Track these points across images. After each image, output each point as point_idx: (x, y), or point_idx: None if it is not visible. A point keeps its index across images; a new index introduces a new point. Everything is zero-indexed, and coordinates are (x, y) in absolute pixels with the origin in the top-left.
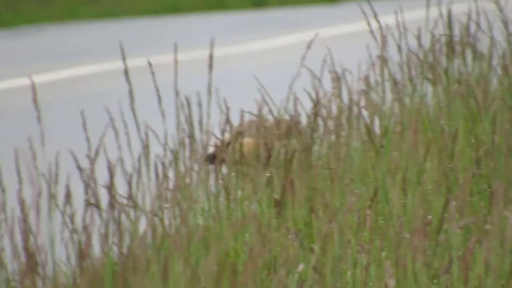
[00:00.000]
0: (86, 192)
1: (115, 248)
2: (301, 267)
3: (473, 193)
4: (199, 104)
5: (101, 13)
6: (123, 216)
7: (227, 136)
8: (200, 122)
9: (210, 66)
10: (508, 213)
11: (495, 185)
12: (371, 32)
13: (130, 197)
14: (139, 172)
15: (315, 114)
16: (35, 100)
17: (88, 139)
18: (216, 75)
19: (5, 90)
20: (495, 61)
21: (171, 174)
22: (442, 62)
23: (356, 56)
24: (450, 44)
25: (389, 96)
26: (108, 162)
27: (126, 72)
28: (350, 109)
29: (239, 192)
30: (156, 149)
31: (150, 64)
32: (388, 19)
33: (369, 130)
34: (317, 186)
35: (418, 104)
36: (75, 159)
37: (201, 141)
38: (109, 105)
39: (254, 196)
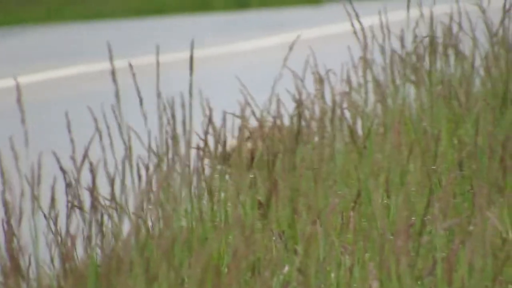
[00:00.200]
0: (69, 194)
1: (98, 250)
2: (285, 269)
3: (456, 195)
4: (182, 106)
5: (85, 14)
6: (106, 218)
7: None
8: (183, 123)
9: (191, 68)
10: (491, 214)
11: (478, 187)
12: (354, 33)
13: (113, 199)
14: (122, 174)
15: (298, 115)
16: (19, 101)
17: (72, 141)
18: (199, 76)
19: None
20: (478, 63)
21: (154, 175)
22: (425, 63)
23: (339, 58)
24: (432, 45)
25: (372, 97)
26: (91, 164)
27: (113, 73)
28: (333, 110)
29: (223, 194)
30: (139, 150)
31: (131, 66)
32: (371, 20)
33: (352, 132)
34: (301, 187)
35: (401, 106)
36: (58, 161)
37: (184, 142)
38: (93, 106)
39: (237, 198)
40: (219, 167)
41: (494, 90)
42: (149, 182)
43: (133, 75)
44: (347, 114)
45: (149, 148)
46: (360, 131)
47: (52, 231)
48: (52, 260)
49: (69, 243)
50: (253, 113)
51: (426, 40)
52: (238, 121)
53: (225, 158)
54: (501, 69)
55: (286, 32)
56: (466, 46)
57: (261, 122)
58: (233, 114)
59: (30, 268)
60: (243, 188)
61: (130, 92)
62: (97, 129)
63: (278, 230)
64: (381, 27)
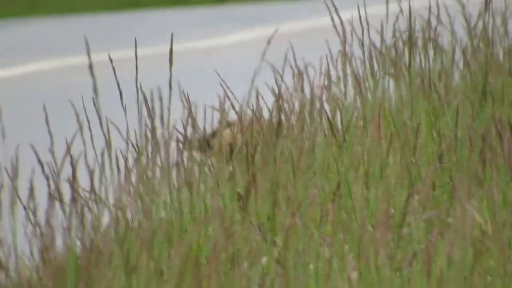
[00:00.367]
0: (48, 186)
1: (78, 242)
2: (264, 260)
3: (436, 187)
4: (161, 99)
5: (62, 7)
6: (86, 210)
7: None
8: (162, 117)
9: (171, 61)
10: (470, 206)
11: (458, 179)
12: (334, 27)
13: (93, 191)
14: (101, 166)
15: (278, 109)
16: None
17: (50, 134)
18: (178, 70)
19: None
20: (457, 56)
21: (133, 167)
22: (404, 57)
23: (318, 51)
24: (411, 39)
25: (351, 91)
26: (71, 156)
27: (90, 66)
28: (312, 103)
29: (202, 186)
30: (118, 143)
31: (111, 59)
32: (350, 14)
33: (331, 125)
34: (280, 180)
35: (380, 99)
36: (36, 153)
37: (163, 135)
38: (72, 100)
39: (217, 190)
40: (198, 158)
41: (473, 83)
42: (128, 175)
43: (113, 68)
44: (327, 107)
45: (128, 141)
46: (339, 124)
47: (31, 223)
48: (31, 252)
49: (48, 235)
50: (233, 106)
51: (405, 34)
52: (217, 115)
53: (204, 147)
54: (480, 62)
55: (265, 26)
56: (445, 40)
57: (240, 116)
58: (213, 107)
59: (10, 259)
60: (222, 180)
61: (110, 85)
62: (78, 122)
63: (257, 222)
64: (360, 21)
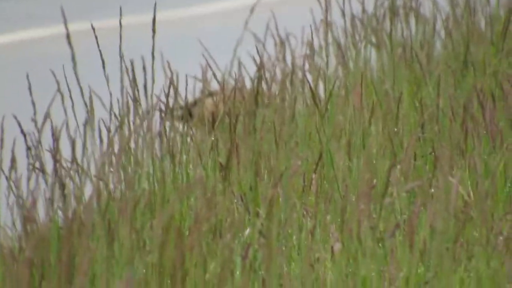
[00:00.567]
0: (30, 156)
1: (60, 212)
2: (247, 231)
3: (418, 157)
4: (144, 69)
5: None
6: (68, 181)
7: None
8: (145, 86)
9: (153, 30)
10: (452, 177)
11: (440, 149)
12: None
13: (75, 161)
14: (84, 136)
15: (259, 78)
16: None
17: (33, 103)
18: (160, 39)
19: None
20: (439, 25)
21: (116, 138)
22: (385, 26)
23: (300, 20)
24: (393, 8)
25: (333, 60)
26: (53, 126)
27: (68, 36)
28: (294, 73)
29: (184, 156)
30: (101, 113)
31: (93, 28)
32: None
33: (314, 94)
34: (262, 150)
35: (362, 68)
36: (19, 124)
37: (146, 104)
38: (54, 69)
39: (199, 160)
40: (180, 127)
41: (455, 52)
42: (111, 145)
43: (95, 37)
44: (309, 76)
45: (111, 111)
46: (321, 94)
47: (14, 194)
48: (14, 222)
49: (31, 206)
50: (215, 76)
51: (387, 3)
52: (199, 84)
53: (186, 117)
54: (462, 31)
55: None
56: (426, 9)
57: (222, 85)
58: (195, 77)
59: None
60: (204, 150)
61: (92, 55)
62: (60, 92)
63: (240, 192)
64: None
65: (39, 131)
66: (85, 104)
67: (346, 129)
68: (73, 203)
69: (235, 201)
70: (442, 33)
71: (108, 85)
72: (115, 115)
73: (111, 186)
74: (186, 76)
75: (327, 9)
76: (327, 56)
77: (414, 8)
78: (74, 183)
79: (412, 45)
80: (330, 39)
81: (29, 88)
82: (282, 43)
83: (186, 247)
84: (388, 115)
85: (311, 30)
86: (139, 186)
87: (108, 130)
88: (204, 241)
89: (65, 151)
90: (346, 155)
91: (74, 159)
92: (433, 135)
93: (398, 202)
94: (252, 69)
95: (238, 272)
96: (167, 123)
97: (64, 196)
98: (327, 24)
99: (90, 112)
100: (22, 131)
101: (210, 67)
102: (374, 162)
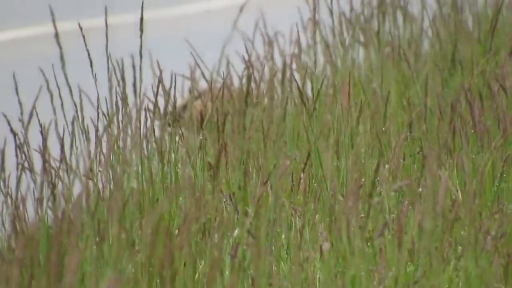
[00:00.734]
0: (19, 156)
1: (49, 212)
2: (236, 231)
3: (406, 156)
4: (133, 67)
5: None
6: (57, 180)
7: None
8: (134, 85)
9: (141, 29)
10: (440, 175)
11: (428, 148)
12: None
13: (64, 160)
14: (72, 135)
15: (248, 77)
16: None
17: (20, 103)
18: (149, 38)
19: None
20: (426, 24)
21: (104, 137)
22: (373, 25)
23: (289, 19)
24: (381, 6)
25: (321, 59)
26: (41, 125)
27: (56, 35)
28: (282, 72)
29: (173, 155)
30: (89, 112)
31: (80, 27)
32: None
33: (302, 93)
34: (251, 149)
35: (350, 67)
36: (8, 123)
37: (135, 104)
38: (42, 68)
39: (188, 159)
40: (169, 128)
41: (443, 51)
42: (99, 144)
43: (83, 37)
44: (297, 75)
45: (99, 110)
46: (309, 93)
47: (2, 193)
48: (2, 222)
49: (19, 205)
50: (203, 74)
51: (375, 1)
52: (188, 83)
53: (175, 118)
54: (450, 30)
55: None
56: (414, 8)
57: (211, 84)
58: (183, 76)
59: None
60: (193, 149)
61: (80, 54)
62: (49, 90)
63: (229, 191)
64: None
65: (26, 130)
66: (74, 103)
67: (334, 128)
68: (62, 203)
69: (224, 200)
70: (430, 31)
71: (96, 84)
72: (103, 114)
73: (100, 185)
74: (175, 75)
75: (315, 8)
76: (315, 54)
77: (401, 7)
78: (63, 183)
79: (400, 44)
80: (318, 38)
81: (16, 88)
82: (271, 42)
83: (175, 246)
84: (376, 114)
85: (298, 29)
86: (128, 185)
87: (97, 129)
88: (193, 240)
89: (54, 150)
90: (335, 154)
91: (63, 158)
92: (421, 134)
93: (387, 201)
94: (240, 68)
95: (227, 272)
96: (156, 122)
97: (53, 196)
98: (315, 23)
99: (78, 111)
100: (11, 130)
101: (198, 66)
102: (363, 161)
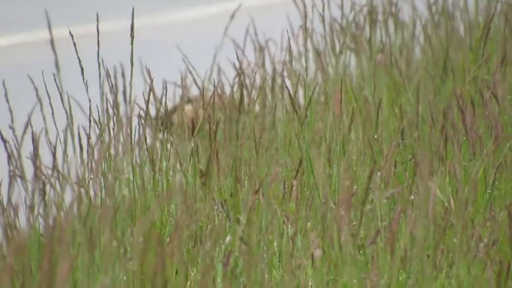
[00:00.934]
0: (10, 163)
1: (41, 220)
2: (228, 238)
3: (398, 164)
4: (123, 75)
5: None
6: (48, 188)
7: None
8: (124, 93)
9: (132, 36)
10: (432, 183)
11: (420, 155)
12: (294, 2)
13: (55, 168)
14: (64, 143)
15: (239, 84)
16: None
17: (10, 110)
18: (139, 45)
19: None
20: (418, 31)
21: (96, 144)
22: (365, 32)
23: (280, 26)
24: (372, 14)
25: (312, 66)
26: (33, 133)
27: (52, 42)
28: (273, 79)
29: (164, 163)
30: (80, 120)
31: (71, 34)
32: None
33: (293, 101)
34: (242, 156)
35: (341, 74)
36: None
37: (126, 111)
38: (32, 76)
39: (179, 167)
40: (160, 135)
41: (435, 58)
42: (91, 152)
43: (74, 44)
44: (288, 83)
45: (91, 117)
46: (301, 100)
47: None
48: None
49: (11, 213)
50: (195, 81)
51: (366, 8)
52: (179, 90)
53: (166, 124)
54: (441, 37)
55: (227, 1)
56: (406, 15)
57: (202, 91)
58: (174, 83)
59: None
60: (184, 157)
61: (70, 61)
62: (38, 98)
63: (220, 199)
64: None
65: (17, 138)
66: (65, 110)
67: (326, 135)
68: (53, 210)
69: (216, 207)
70: (421, 38)
71: (87, 92)
72: (95, 121)
73: (92, 193)
74: (166, 82)
75: (306, 15)
76: (306, 62)
77: (393, 14)
78: (54, 190)
79: (391, 51)
80: (309, 45)
81: (5, 95)
82: (262, 49)
83: (166, 254)
84: (368, 121)
85: (289, 36)
86: (120, 193)
87: (88, 137)
88: (185, 248)
89: (45, 157)
90: (326, 161)
91: (54, 166)
92: (413, 142)
93: (379, 208)
94: (231, 75)
95: (219, 279)
96: (147, 130)
97: (44, 203)
98: (306, 30)
99: (70, 118)
100: (2, 138)
101: (191, 72)
102: (354, 168)
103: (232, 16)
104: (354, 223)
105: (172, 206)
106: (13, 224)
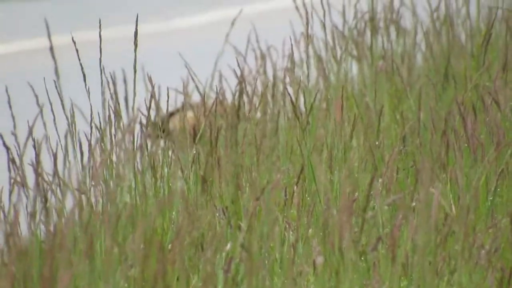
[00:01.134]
0: (11, 170)
1: (42, 226)
2: (229, 245)
3: (399, 170)
4: (125, 81)
5: None
6: (49, 194)
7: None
8: (126, 99)
9: (135, 43)
10: (434, 190)
11: (421, 162)
12: (296, 8)
13: (56, 175)
14: (65, 149)
15: (241, 91)
16: None
17: (13, 117)
18: (141, 52)
19: None
20: (419, 38)
21: (97, 151)
22: (366, 39)
23: (281, 33)
24: (374, 20)
25: (314, 73)
26: (34, 140)
27: (51, 49)
28: (275, 86)
29: (166, 170)
30: (82, 126)
31: (74, 41)
32: None
33: (295, 107)
34: (244, 163)
35: (343, 81)
36: (1, 137)
37: (128, 118)
38: (34, 82)
39: (180, 174)
40: (162, 142)
41: (436, 65)
42: (92, 158)
43: (76, 50)
44: (290, 89)
45: (92, 124)
46: (302, 107)
47: None
48: None
49: (12, 219)
50: (197, 88)
51: (368, 15)
52: (181, 97)
53: (168, 131)
54: (443, 44)
55: (228, 8)
56: (407, 22)
57: (204, 98)
58: (176, 90)
59: None
60: (186, 163)
61: (73, 67)
62: (38, 105)
63: (222, 206)
64: (321, 3)
65: (19, 145)
66: (66, 117)
67: (327, 142)
68: (55, 217)
69: (217, 214)
70: (423, 45)
71: (89, 98)
72: (96, 127)
73: (93, 199)
74: (168, 89)
75: (307, 22)
76: (308, 68)
77: (394, 21)
78: (55, 197)
79: (393, 58)
80: (311, 52)
81: (8, 102)
82: (263, 56)
83: (168, 261)
84: (369, 128)
85: (291, 43)
86: (121, 200)
87: (90, 143)
88: (186, 255)
89: (46, 163)
90: (328, 168)
91: (56, 172)
92: (415, 148)
93: (380, 215)
94: (233, 82)
95: (220, 286)
96: (147, 137)
97: (46, 210)
98: (308, 36)
99: (71, 125)
100: (4, 144)
101: (193, 79)
102: (356, 175)
103: (233, 23)
104: (356, 230)
105: (174, 212)
106: (14, 231)
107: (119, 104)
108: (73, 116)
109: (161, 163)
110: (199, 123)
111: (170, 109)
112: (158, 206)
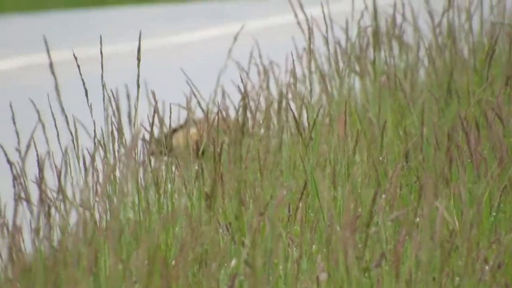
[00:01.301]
0: (15, 186)
1: (46, 243)
2: (233, 261)
3: (403, 186)
4: (128, 97)
5: (26, 5)
6: (53, 210)
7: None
8: (129, 115)
9: (138, 59)
10: (437, 205)
11: (425, 178)
12: (298, 24)
13: (60, 191)
14: (68, 165)
15: (244, 107)
16: None
17: (17, 133)
18: (144, 67)
19: None
20: (422, 53)
21: (100, 167)
22: (369, 54)
23: (284, 49)
24: (376, 36)
25: (317, 88)
26: (38, 156)
27: (51, 65)
28: (278, 102)
29: (169, 185)
30: (85, 142)
31: (75, 57)
32: (315, 11)
33: (298, 123)
34: (247, 179)
35: (346, 97)
36: (5, 153)
37: (130, 133)
38: (37, 99)
39: (184, 189)
40: (165, 158)
41: (439, 81)
42: (95, 174)
43: (78, 66)
44: (293, 105)
45: (95, 140)
46: (305, 122)
47: None
48: None
49: (16, 235)
50: (199, 104)
51: (370, 31)
52: (184, 112)
53: (171, 148)
54: (445, 60)
55: (230, 23)
56: (410, 37)
57: (206, 114)
58: (179, 105)
59: None
60: (189, 179)
61: (75, 84)
62: (40, 121)
63: (225, 222)
64: (324, 18)
65: (23, 160)
66: (70, 132)
67: (330, 158)
68: (58, 233)
69: (221, 230)
70: (426, 60)
71: (91, 114)
72: (99, 143)
73: (97, 215)
74: (170, 104)
75: (310, 37)
76: (310, 84)
77: (397, 36)
78: (59, 213)
79: (395, 73)
80: (313, 67)
81: (13, 118)
82: (266, 71)
83: (172, 277)
84: (372, 143)
85: (293, 58)
86: (124, 216)
87: (93, 159)
88: (190, 270)
89: (49, 180)
90: (331, 184)
91: (59, 188)
92: (418, 164)
93: (384, 231)
94: (236, 98)
95: None
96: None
97: (49, 226)
98: (311, 52)
99: (74, 141)
100: (8, 161)
101: (195, 95)
102: (359, 191)
103: (236, 38)
104: (359, 246)
105: (177, 228)
106: (18, 247)
107: (121, 119)
108: (77, 131)
109: (164, 179)
110: (202, 139)
111: (173, 125)
112: (161, 222)
